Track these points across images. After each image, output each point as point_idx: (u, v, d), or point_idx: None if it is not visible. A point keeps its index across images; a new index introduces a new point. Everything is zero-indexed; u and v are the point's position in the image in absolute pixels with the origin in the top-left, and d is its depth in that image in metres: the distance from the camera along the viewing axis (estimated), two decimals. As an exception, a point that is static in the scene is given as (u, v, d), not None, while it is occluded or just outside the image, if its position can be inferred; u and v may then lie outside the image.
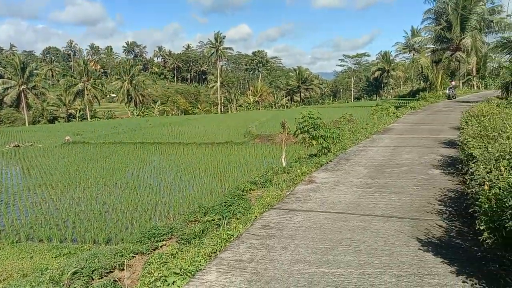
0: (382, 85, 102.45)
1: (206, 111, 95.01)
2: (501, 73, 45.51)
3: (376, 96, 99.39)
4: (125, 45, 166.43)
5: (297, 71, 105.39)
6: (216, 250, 5.52)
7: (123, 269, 6.83)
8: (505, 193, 3.83)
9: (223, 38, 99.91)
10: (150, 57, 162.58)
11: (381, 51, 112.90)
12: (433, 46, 48.90)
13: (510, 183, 3.84)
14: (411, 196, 7.65)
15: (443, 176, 9.01)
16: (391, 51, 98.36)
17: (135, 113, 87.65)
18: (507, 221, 3.74)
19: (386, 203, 7.30)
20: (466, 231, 5.66)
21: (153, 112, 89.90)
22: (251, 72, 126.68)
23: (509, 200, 3.67)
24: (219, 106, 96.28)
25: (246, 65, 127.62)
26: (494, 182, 4.54)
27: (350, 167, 10.58)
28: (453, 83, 40.53)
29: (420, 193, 7.82)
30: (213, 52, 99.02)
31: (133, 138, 37.00)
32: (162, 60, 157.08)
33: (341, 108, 46.99)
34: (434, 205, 7.00)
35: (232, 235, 6.02)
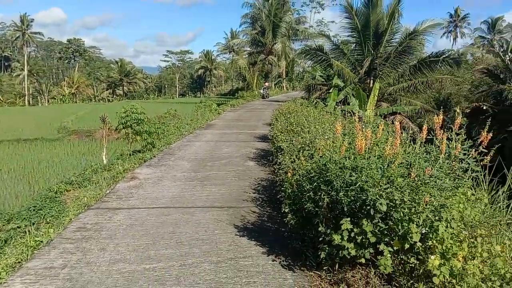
0: (206, 83, 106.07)
1: (10, 103, 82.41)
2: (305, 76, 52.36)
3: (200, 93, 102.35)
4: None
5: (119, 64, 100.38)
6: (22, 260, 4.86)
7: None
8: (303, 178, 4.43)
9: (31, 21, 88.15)
10: None
11: (204, 50, 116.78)
12: (249, 49, 52.91)
13: (307, 170, 4.45)
14: (230, 186, 8.16)
15: (257, 167, 9.88)
16: (213, 51, 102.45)
17: None
18: (305, 203, 4.33)
19: (208, 194, 7.61)
20: (275, 215, 6.33)
21: None
22: (66, 62, 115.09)
23: (307, 185, 4.26)
24: (26, 97, 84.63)
25: (60, 53, 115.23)
26: (297, 170, 5.18)
27: (174, 161, 10.66)
28: (266, 84, 44.75)
29: (238, 183, 8.41)
30: (19, 36, 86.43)
31: None
32: None
33: (167, 103, 46.86)
34: (250, 193, 7.62)
35: (42, 242, 5.40)
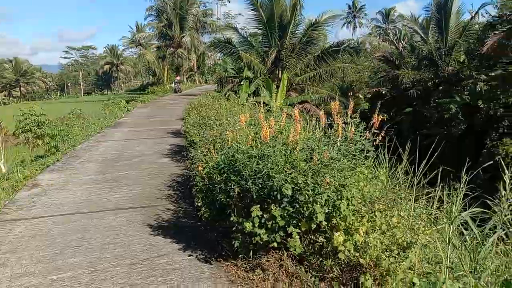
0: (113, 79, 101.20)
1: None
2: (216, 69, 52.32)
3: (108, 91, 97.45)
4: None
5: (13, 63, 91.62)
6: None
7: None
8: (214, 171, 4.46)
9: None
10: None
11: (109, 45, 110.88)
12: (157, 43, 51.44)
13: (217, 162, 4.48)
14: (143, 185, 7.92)
15: (171, 163, 9.71)
16: (119, 46, 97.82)
17: None
18: (217, 195, 4.36)
19: (119, 196, 7.32)
20: (191, 210, 6.29)
21: None
22: None
23: (217, 177, 4.30)
24: None
25: None
26: (208, 163, 5.19)
27: (81, 164, 10.06)
28: (178, 78, 43.93)
29: (151, 182, 8.19)
30: None
31: None
32: None
33: (71, 103, 43.87)
34: (164, 191, 7.47)
35: None
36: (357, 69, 34.37)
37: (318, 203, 3.72)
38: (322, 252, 4.15)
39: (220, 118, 9.40)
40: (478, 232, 4.35)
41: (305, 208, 3.78)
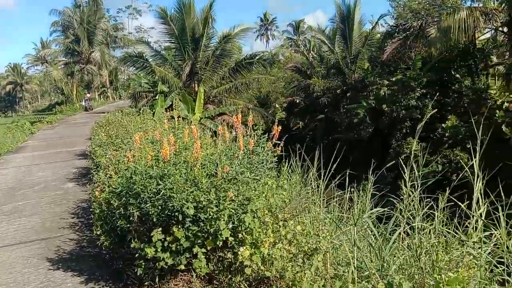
0: (18, 100, 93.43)
1: None
2: (131, 84, 50.60)
3: (12, 112, 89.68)
4: None
5: None
6: None
7: None
8: (112, 195, 4.17)
9: None
10: None
11: (11, 63, 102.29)
12: (65, 59, 48.61)
13: (116, 186, 4.19)
14: (44, 215, 7.25)
15: (77, 188, 9.06)
16: (22, 64, 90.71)
17: None
18: (117, 221, 4.07)
19: (15, 229, 6.61)
20: (96, 238, 5.84)
21: None
22: None
23: (115, 202, 4.02)
24: None
25: None
26: (107, 187, 4.86)
27: (-29, 197, 8.98)
28: (88, 95, 41.71)
29: (54, 210, 7.54)
30: None
31: None
32: None
33: (-35, 128, 39.53)
34: (68, 219, 6.91)
35: None
36: (271, 79, 35.28)
37: (222, 219, 3.61)
38: (231, 269, 4.05)
39: (130, 136, 8.98)
40: (377, 232, 4.55)
41: (209, 226, 3.65)
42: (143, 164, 3.93)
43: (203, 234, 3.77)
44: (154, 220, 3.71)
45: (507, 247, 3.89)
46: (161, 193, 3.55)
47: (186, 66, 23.78)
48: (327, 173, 7.18)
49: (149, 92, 27.66)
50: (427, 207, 4.77)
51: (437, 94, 18.58)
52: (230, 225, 3.67)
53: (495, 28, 19.94)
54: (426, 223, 4.51)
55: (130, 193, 3.90)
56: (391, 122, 21.62)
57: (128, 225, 3.99)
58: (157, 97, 24.54)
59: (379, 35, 28.70)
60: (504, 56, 20.80)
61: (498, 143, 15.54)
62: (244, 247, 3.73)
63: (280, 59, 53.47)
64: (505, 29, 18.76)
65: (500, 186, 4.49)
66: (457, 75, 20.65)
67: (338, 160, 6.83)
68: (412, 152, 5.13)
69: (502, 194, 4.48)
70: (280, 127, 4.22)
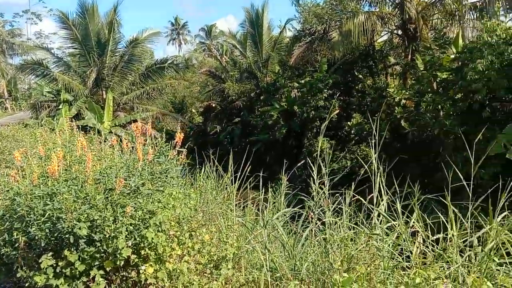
0: None
1: None
2: (32, 94, 46.66)
3: None
4: None
5: None
6: None
7: None
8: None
9: None
10: None
11: None
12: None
13: (-1, 209, 3.73)
14: None
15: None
16: None
17: None
18: (1, 248, 3.61)
19: None
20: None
21: None
22: None
23: (-3, 227, 3.56)
24: None
25: None
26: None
27: None
28: (-18, 107, 37.67)
29: None
30: None
31: None
32: None
33: None
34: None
35: None
36: (186, 84, 34.77)
37: (120, 237, 3.36)
38: (137, 287, 3.80)
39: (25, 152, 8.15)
40: (284, 232, 4.58)
41: (106, 246, 3.38)
42: (27, 184, 3.52)
43: (101, 255, 3.48)
44: (43, 244, 3.34)
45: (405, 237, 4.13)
46: (47, 214, 3.20)
47: (91, 73, 22.49)
48: (241, 176, 7.18)
49: (52, 101, 25.72)
50: (336, 202, 4.93)
51: (343, 94, 19.68)
52: (130, 243, 3.43)
53: (391, 31, 21.67)
54: (336, 218, 4.64)
55: (14, 216, 3.47)
56: (302, 123, 22.44)
57: (15, 252, 3.55)
58: (61, 107, 22.89)
59: (287, 39, 29.66)
60: (400, 57, 22.63)
61: (398, 138, 16.86)
62: (148, 264, 3.51)
63: (194, 64, 53.01)
64: (400, 32, 20.45)
65: (396, 179, 4.77)
66: (360, 76, 22.06)
67: (253, 161, 6.87)
68: (319, 151, 5.26)
69: (396, 185, 4.76)
70: (182, 134, 4.06)
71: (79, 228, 3.21)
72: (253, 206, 7.10)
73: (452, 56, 15.97)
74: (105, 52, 23.08)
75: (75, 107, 22.34)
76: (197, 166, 9.40)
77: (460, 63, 14.91)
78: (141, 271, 3.40)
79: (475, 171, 4.04)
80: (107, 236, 3.36)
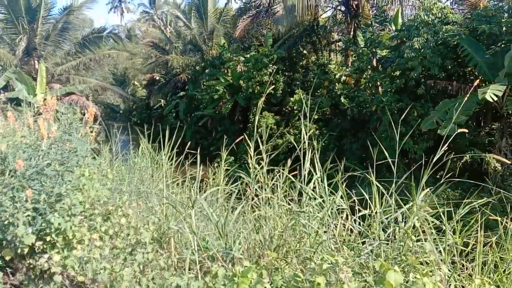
0: None
1: None
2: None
3: None
4: None
5: None
6: None
7: None
8: None
9: None
10: None
11: None
12: None
13: None
14: None
15: None
16: None
17: None
18: None
19: None
20: None
21: None
22: None
23: None
24: None
25: None
26: None
27: None
28: None
29: None
30: None
31: None
32: None
33: None
34: None
35: None
36: (127, 56, 33.26)
37: (18, 224, 3.03)
38: (44, 276, 3.50)
39: None
40: (210, 212, 4.44)
41: (1, 234, 3.04)
42: None
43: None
44: None
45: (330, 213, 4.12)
46: None
47: (21, 41, 20.80)
48: (183, 152, 6.92)
49: (-24, 71, 23.62)
50: (273, 179, 4.83)
51: (287, 69, 19.64)
52: (30, 230, 3.11)
53: (335, 7, 21.76)
54: (273, 195, 4.55)
55: None
56: (248, 98, 22.27)
57: None
58: (-14, 78, 21.06)
59: (233, 11, 29.04)
60: (343, 34, 22.90)
61: (339, 114, 17.19)
62: (54, 251, 3.22)
63: (137, 34, 50.80)
64: (343, 8, 20.59)
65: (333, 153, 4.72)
66: (304, 51, 22.10)
67: (200, 137, 6.64)
68: (259, 126, 5.09)
69: (332, 160, 4.73)
70: (94, 110, 3.72)
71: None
72: (191, 185, 6.91)
73: (392, 34, 16.34)
74: (36, 19, 21.35)
75: (3, 78, 20.64)
76: (131, 143, 9.00)
77: (398, 41, 15.28)
78: (41, 259, 3.11)
79: (412, 147, 4.06)
80: (5, 223, 3.03)
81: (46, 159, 3.36)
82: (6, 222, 3.05)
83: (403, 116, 6.04)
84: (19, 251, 3.17)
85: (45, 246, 3.37)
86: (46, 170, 3.31)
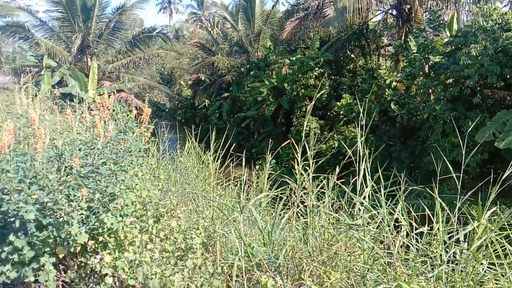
0: None
1: None
2: (16, 58, 45.17)
3: None
4: None
5: None
6: None
7: None
8: None
9: None
10: None
11: None
12: None
13: None
14: None
15: None
16: None
17: None
18: None
19: None
20: None
21: None
22: None
23: None
24: None
25: None
26: None
27: None
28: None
29: None
30: None
31: None
32: None
33: None
34: None
35: None
36: (174, 55, 33.91)
37: (72, 223, 3.02)
38: (95, 276, 3.49)
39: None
40: (259, 217, 4.29)
41: (56, 232, 3.04)
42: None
43: (53, 241, 3.15)
44: (-15, 228, 2.99)
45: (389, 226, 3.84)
46: (-11, 195, 2.84)
47: (76, 39, 21.64)
48: (227, 153, 6.88)
49: (35, 67, 24.82)
50: (319, 186, 4.62)
51: (334, 73, 19.25)
52: (83, 229, 3.08)
53: (386, 10, 21.15)
54: (319, 202, 4.35)
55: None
56: (292, 101, 22.05)
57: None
58: (43, 73, 22.08)
59: (280, 14, 28.91)
60: (393, 38, 22.20)
61: (387, 120, 16.63)
62: (106, 252, 3.19)
63: (185, 34, 51.76)
64: (394, 12, 19.96)
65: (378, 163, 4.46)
66: (352, 55, 21.61)
67: (242, 138, 6.58)
68: (304, 131, 4.91)
69: (379, 169, 4.46)
70: (150, 110, 3.68)
71: (26, 211, 2.86)
72: (235, 186, 6.83)
73: (446, 40, 15.62)
74: (90, 17, 22.19)
75: (58, 74, 21.57)
76: (179, 142, 9.05)
77: (453, 47, 14.58)
78: (94, 260, 3.08)
79: (466, 159, 3.74)
80: (60, 220, 3.02)
81: (101, 157, 3.34)
82: (61, 220, 3.04)
83: (457, 125, 5.68)
84: (72, 249, 3.16)
85: (96, 246, 3.35)
86: (101, 168, 3.29)
